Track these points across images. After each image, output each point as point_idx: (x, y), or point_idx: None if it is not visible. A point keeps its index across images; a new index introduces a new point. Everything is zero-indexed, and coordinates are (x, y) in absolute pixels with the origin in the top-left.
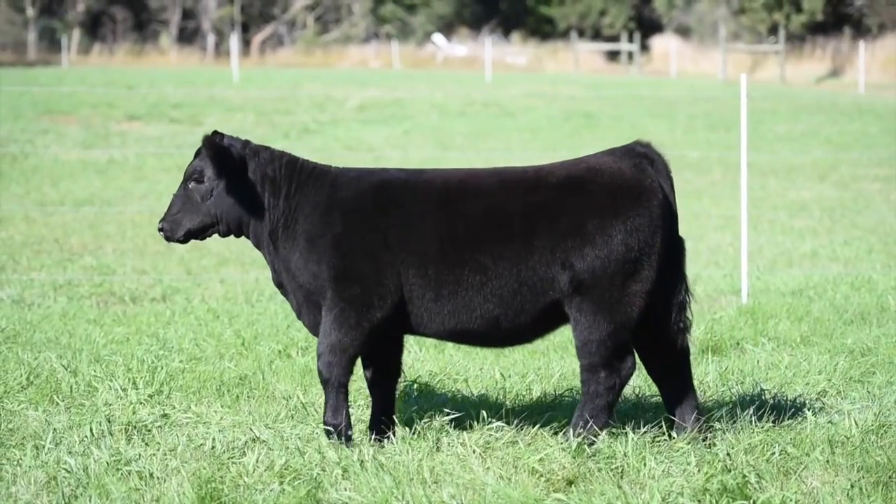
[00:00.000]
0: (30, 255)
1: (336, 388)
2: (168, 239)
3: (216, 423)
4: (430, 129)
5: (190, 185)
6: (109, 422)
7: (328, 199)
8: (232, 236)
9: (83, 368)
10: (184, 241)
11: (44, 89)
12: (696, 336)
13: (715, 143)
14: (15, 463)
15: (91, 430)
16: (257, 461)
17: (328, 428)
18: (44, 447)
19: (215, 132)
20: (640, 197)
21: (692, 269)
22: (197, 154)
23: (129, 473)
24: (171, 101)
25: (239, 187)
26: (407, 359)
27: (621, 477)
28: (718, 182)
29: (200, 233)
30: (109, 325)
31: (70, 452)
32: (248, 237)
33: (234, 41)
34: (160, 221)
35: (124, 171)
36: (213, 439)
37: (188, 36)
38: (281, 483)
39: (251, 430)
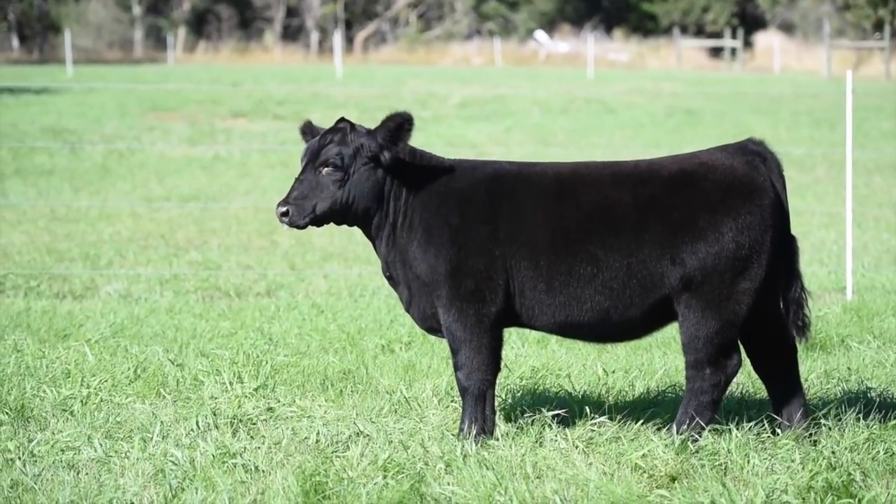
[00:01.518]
0: (136, 250)
1: (475, 398)
2: (291, 224)
3: (320, 417)
4: (531, 126)
5: (324, 171)
6: (215, 415)
7: (445, 190)
8: (333, 230)
9: (189, 362)
10: (304, 226)
11: (150, 87)
12: None
13: (819, 140)
14: (123, 455)
15: (197, 423)
16: (361, 455)
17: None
18: (151, 440)
19: (343, 119)
20: (752, 195)
21: None
22: (329, 140)
23: (235, 466)
24: (275, 98)
25: (375, 174)
26: (509, 354)
27: (724, 474)
28: (822, 179)
29: (325, 219)
30: (215, 319)
31: (177, 445)
32: (366, 226)
33: (338, 38)
34: (282, 205)
35: (229, 168)
36: (318, 433)
37: (292, 33)
38: (384, 477)
39: (355, 424)
